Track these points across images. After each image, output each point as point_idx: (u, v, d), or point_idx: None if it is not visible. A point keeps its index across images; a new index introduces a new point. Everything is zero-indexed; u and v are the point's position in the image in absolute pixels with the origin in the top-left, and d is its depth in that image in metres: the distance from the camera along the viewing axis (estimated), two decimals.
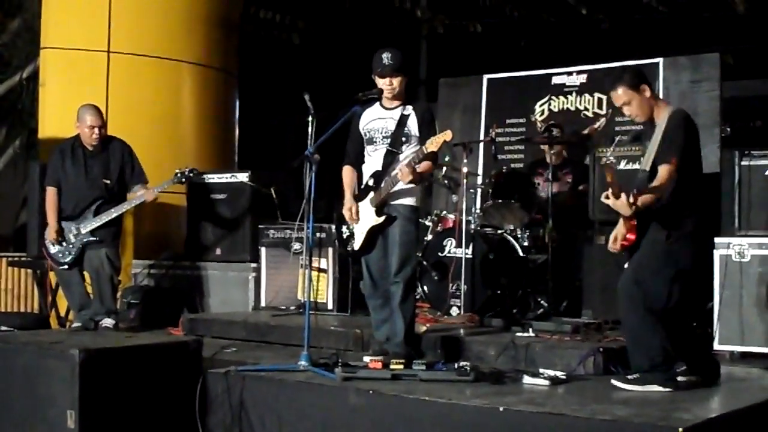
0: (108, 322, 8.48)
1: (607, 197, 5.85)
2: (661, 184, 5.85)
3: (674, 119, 6.00)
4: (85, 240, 8.56)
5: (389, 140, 6.85)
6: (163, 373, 6.52)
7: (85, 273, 8.73)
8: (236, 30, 12.56)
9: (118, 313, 8.87)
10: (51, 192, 8.70)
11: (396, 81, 6.82)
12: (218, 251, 10.02)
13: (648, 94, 6.08)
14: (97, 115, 8.67)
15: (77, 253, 8.60)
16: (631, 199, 5.75)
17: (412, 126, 6.83)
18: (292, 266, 9.17)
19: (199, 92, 11.66)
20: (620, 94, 6.10)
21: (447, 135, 6.56)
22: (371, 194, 6.88)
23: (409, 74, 6.97)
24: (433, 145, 6.57)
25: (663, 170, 5.88)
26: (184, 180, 9.02)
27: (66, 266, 8.64)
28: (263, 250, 9.60)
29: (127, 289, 9.76)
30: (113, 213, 8.59)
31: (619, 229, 6.07)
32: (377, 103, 6.97)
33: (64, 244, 8.59)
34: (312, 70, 17.22)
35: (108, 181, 8.68)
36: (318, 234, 8.89)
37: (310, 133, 6.67)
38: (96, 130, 8.61)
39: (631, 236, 5.98)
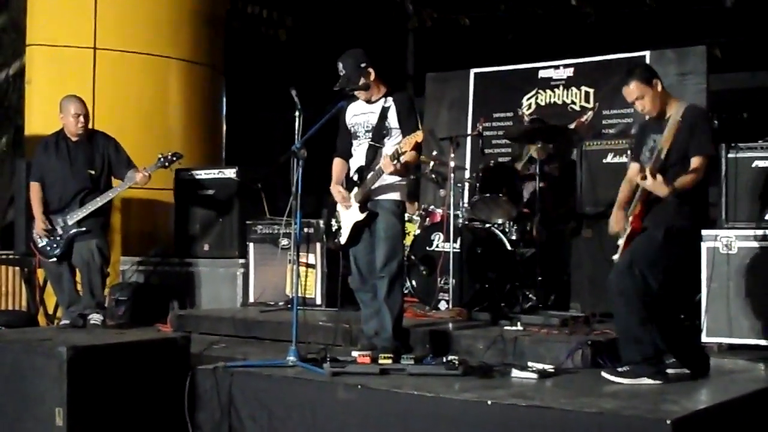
0: (96, 318, 8.46)
1: (644, 178, 5.83)
2: (697, 171, 5.88)
3: (696, 112, 6.05)
4: (72, 231, 8.51)
5: (371, 134, 6.86)
6: (152, 370, 6.52)
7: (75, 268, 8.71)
8: (223, 26, 12.55)
9: (106, 308, 8.85)
10: (35, 187, 8.69)
11: (360, 83, 6.81)
12: (206, 247, 10.01)
13: (660, 88, 6.10)
14: (80, 103, 8.68)
15: (66, 246, 8.55)
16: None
17: (392, 119, 6.82)
18: (280, 262, 9.17)
19: (187, 88, 11.63)
20: (632, 88, 6.10)
21: (418, 136, 6.52)
22: (355, 189, 6.88)
23: (369, 71, 6.85)
24: (406, 145, 6.54)
25: (699, 161, 5.91)
26: (167, 164, 8.93)
27: (55, 259, 8.60)
28: (251, 245, 9.58)
29: (115, 286, 9.73)
30: (99, 201, 8.55)
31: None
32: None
33: (52, 237, 8.54)
34: (299, 66, 17.20)
35: (93, 172, 8.65)
36: (306, 229, 8.90)
37: (297, 128, 6.66)
38: (81, 119, 8.60)
39: (635, 225, 5.97)
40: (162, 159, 8.86)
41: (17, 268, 10.72)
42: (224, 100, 12.45)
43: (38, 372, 6.19)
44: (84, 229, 8.53)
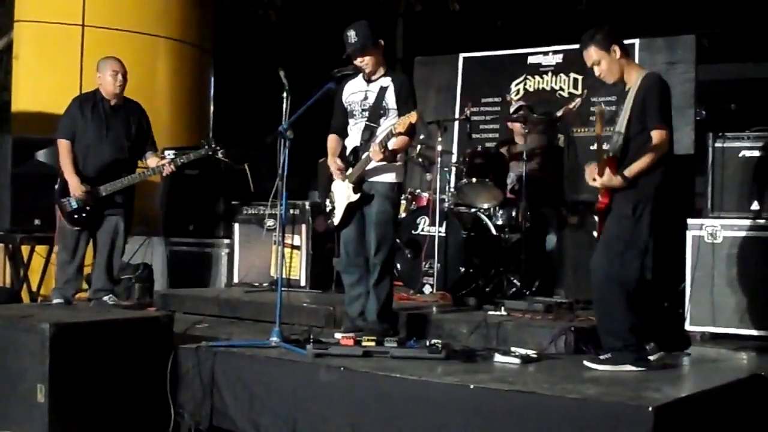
0: (112, 299, 8.41)
1: (594, 179, 5.86)
2: (656, 148, 5.84)
3: (649, 82, 5.97)
4: (103, 203, 8.28)
5: (368, 113, 6.83)
6: (135, 348, 6.47)
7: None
8: (212, 5, 12.50)
9: (116, 289, 8.76)
10: (65, 145, 8.29)
11: (367, 58, 6.78)
12: (191, 227, 9.98)
13: (618, 55, 6.05)
14: (118, 62, 8.41)
15: (92, 216, 8.30)
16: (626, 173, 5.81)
17: (390, 99, 6.80)
18: (265, 243, 9.17)
19: (175, 68, 11.60)
20: (591, 53, 6.10)
21: (412, 117, 6.51)
22: (349, 170, 6.86)
23: (380, 43, 6.84)
24: (400, 126, 6.54)
25: (657, 135, 5.85)
26: (210, 153, 8.72)
27: (79, 228, 8.34)
28: (236, 226, 9.58)
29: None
30: (135, 178, 8.39)
31: (593, 167, 6.05)
32: (360, 75, 6.92)
33: (83, 204, 8.23)
34: (288, 48, 17.16)
35: (129, 142, 8.45)
36: (291, 211, 8.88)
37: (284, 109, 6.64)
38: (119, 77, 8.33)
39: (605, 199, 5.97)
40: (204, 144, 8.69)
41: (1, 245, 10.67)
42: (212, 80, 12.42)
43: (20, 348, 6.14)
44: (117, 201, 8.34)
